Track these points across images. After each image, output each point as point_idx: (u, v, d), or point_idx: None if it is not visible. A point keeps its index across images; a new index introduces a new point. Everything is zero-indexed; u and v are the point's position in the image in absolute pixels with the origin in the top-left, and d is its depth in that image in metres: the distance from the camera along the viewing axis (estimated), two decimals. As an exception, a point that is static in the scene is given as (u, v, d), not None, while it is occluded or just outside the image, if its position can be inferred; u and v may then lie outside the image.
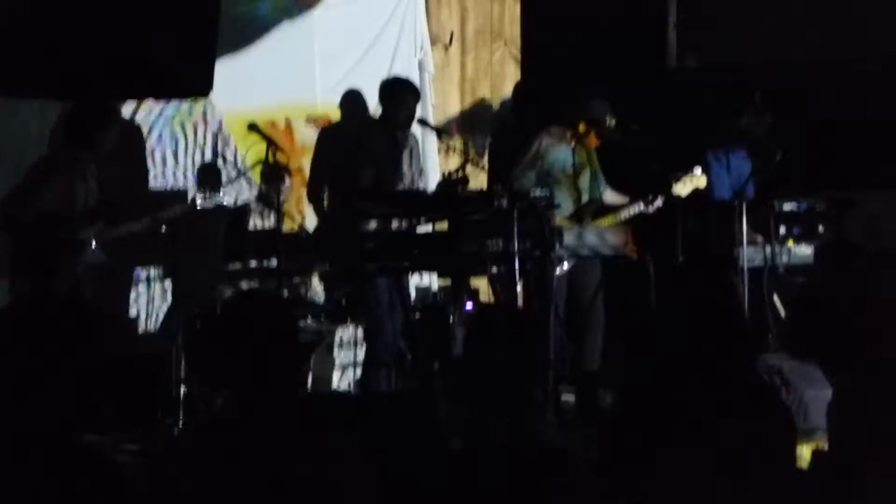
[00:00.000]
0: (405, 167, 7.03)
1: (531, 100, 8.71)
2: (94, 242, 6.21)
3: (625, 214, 7.15)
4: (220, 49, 6.74)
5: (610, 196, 7.33)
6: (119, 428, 5.82)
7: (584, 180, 7.24)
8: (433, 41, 8.75)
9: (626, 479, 2.76)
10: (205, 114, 7.79)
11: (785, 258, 7.35)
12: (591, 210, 7.18)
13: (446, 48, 8.89)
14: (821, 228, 7.42)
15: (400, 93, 7.01)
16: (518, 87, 9.02)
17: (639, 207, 7.14)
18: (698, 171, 7.26)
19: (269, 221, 7.30)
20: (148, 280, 7.46)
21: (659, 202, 7.13)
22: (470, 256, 6.22)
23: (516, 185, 6.68)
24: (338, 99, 7.86)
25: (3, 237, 6.17)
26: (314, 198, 7.75)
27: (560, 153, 7.14)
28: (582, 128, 7.18)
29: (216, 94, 7.13)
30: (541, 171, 7.05)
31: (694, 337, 2.91)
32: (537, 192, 6.38)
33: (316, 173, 7.83)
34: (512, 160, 7.25)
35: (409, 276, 7.11)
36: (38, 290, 5.86)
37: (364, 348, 6.98)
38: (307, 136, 8.01)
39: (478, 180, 7.60)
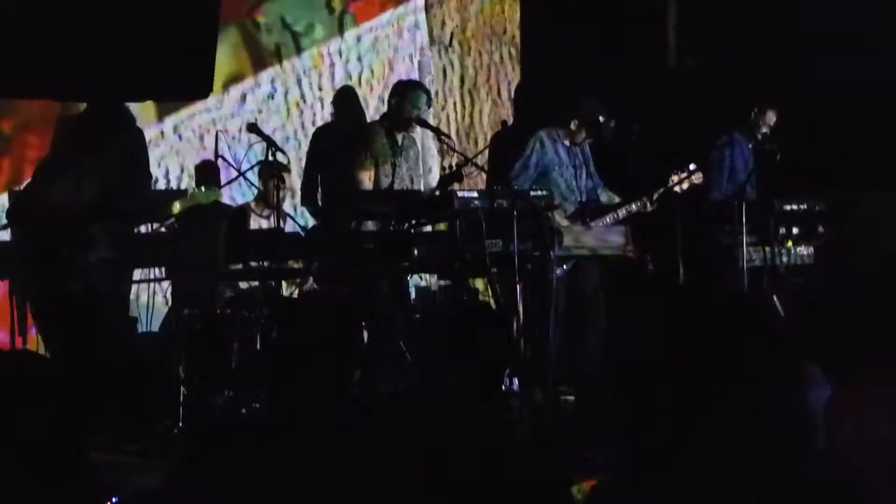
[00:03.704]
0: (405, 167, 7.02)
1: (530, 100, 8.72)
2: (101, 241, 6.23)
3: (623, 214, 7.15)
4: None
5: (606, 196, 7.33)
6: (119, 428, 5.82)
7: (581, 180, 7.24)
8: (433, 41, 8.75)
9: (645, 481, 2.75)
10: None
11: (785, 258, 7.35)
12: (590, 210, 7.18)
13: (446, 48, 8.89)
14: (821, 228, 7.43)
15: (414, 94, 7.00)
16: (518, 88, 9.03)
17: (637, 206, 7.14)
18: (694, 167, 7.27)
19: (269, 221, 7.31)
20: (148, 280, 7.46)
21: (656, 200, 7.14)
22: (470, 257, 6.22)
23: (515, 186, 6.69)
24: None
25: (11, 235, 6.21)
26: (310, 198, 7.76)
27: (555, 153, 7.15)
28: (575, 127, 7.19)
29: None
30: (537, 172, 7.05)
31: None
32: (537, 193, 6.39)
33: (311, 173, 7.84)
34: (510, 160, 7.25)
35: (409, 277, 7.11)
36: (50, 287, 5.89)
37: (364, 348, 6.97)
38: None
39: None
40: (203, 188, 6.71)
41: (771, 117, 7.70)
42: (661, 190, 7.15)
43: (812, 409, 2.84)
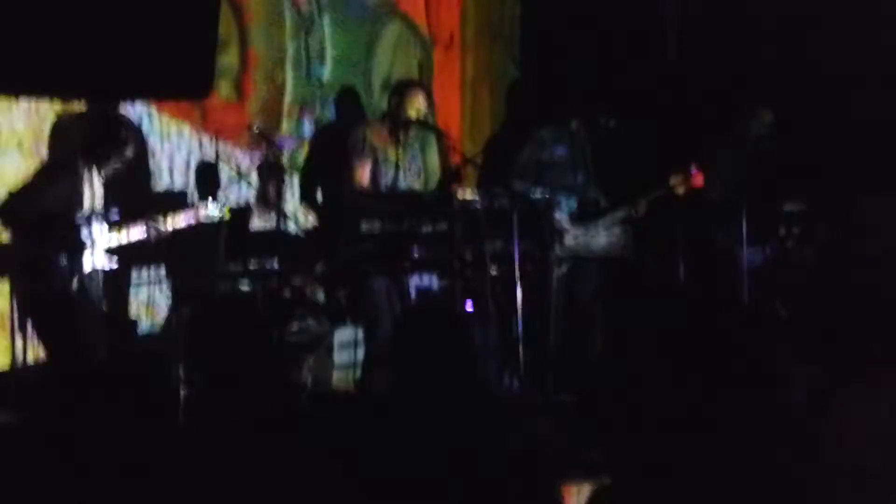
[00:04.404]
0: (407, 167, 7.02)
1: (530, 99, 8.72)
2: (98, 246, 6.23)
3: (620, 216, 7.16)
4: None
5: (603, 196, 7.34)
6: (119, 428, 5.81)
7: (580, 180, 7.25)
8: (433, 41, 8.75)
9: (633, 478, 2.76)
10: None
11: (785, 258, 7.36)
12: (589, 210, 7.19)
13: (446, 48, 8.89)
14: (821, 228, 7.43)
15: (412, 93, 7.00)
16: (513, 87, 9.03)
17: (630, 210, 7.16)
18: (694, 168, 7.28)
19: (269, 221, 7.31)
20: (148, 280, 7.46)
21: (650, 202, 7.16)
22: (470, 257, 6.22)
23: (515, 186, 6.69)
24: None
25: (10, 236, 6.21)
26: (309, 197, 7.76)
27: (555, 152, 7.15)
28: (575, 126, 7.20)
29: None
30: (537, 171, 7.06)
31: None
32: (536, 193, 6.39)
33: (311, 172, 7.85)
34: (508, 160, 7.26)
35: (410, 276, 7.11)
36: (39, 288, 5.89)
37: (364, 348, 6.98)
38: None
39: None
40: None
41: (766, 117, 7.70)
42: (661, 191, 7.16)
43: (798, 407, 2.85)
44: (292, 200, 7.84)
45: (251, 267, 6.86)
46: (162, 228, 6.35)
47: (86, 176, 6.24)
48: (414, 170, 7.06)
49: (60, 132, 7.01)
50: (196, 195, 7.38)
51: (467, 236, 6.18)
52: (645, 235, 7.09)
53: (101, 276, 6.19)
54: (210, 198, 6.70)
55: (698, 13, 8.58)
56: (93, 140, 6.30)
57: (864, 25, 7.98)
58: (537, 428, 5.56)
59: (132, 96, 7.08)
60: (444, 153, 8.19)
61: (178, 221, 6.45)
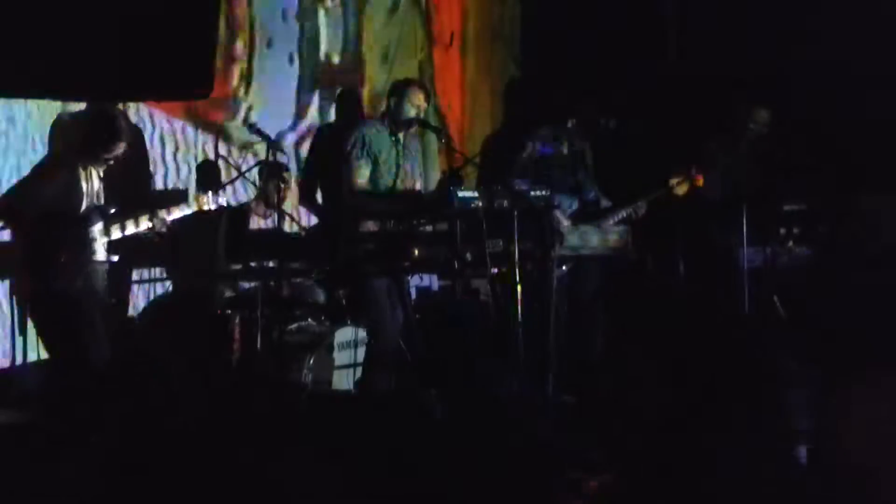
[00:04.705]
0: (408, 167, 7.01)
1: (529, 99, 8.73)
2: (99, 241, 6.22)
3: (620, 216, 7.16)
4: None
5: (602, 196, 7.34)
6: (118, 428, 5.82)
7: (580, 180, 7.24)
8: (433, 41, 8.76)
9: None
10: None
11: (785, 258, 7.36)
12: (590, 210, 7.19)
13: (446, 48, 8.90)
14: (821, 228, 7.44)
15: (411, 92, 6.99)
16: (509, 86, 9.04)
17: (631, 211, 7.15)
18: (694, 169, 7.28)
19: (270, 221, 7.31)
20: (150, 279, 7.47)
21: (650, 202, 7.16)
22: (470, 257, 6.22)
23: (514, 185, 6.68)
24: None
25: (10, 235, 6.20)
26: (308, 197, 7.76)
27: (554, 152, 7.14)
28: (574, 126, 7.19)
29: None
30: (537, 171, 7.05)
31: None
32: (536, 192, 6.38)
33: (310, 173, 7.84)
34: (507, 160, 7.26)
35: (410, 277, 7.11)
36: (43, 287, 5.89)
37: (364, 348, 6.98)
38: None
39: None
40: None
41: (763, 116, 7.70)
42: (661, 191, 7.16)
43: (793, 407, 2.85)
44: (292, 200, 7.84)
45: (251, 266, 6.87)
46: (162, 219, 6.33)
47: (83, 172, 6.22)
48: (414, 170, 7.05)
49: (59, 129, 7.02)
50: (196, 189, 7.39)
51: (467, 236, 6.17)
52: (645, 235, 7.09)
53: (104, 271, 6.17)
54: (210, 192, 6.69)
55: (698, 13, 8.58)
56: (90, 135, 6.28)
57: (863, 25, 7.98)
58: (537, 428, 5.56)
59: (132, 96, 7.08)
60: (444, 153, 8.20)
61: (178, 211, 6.43)
